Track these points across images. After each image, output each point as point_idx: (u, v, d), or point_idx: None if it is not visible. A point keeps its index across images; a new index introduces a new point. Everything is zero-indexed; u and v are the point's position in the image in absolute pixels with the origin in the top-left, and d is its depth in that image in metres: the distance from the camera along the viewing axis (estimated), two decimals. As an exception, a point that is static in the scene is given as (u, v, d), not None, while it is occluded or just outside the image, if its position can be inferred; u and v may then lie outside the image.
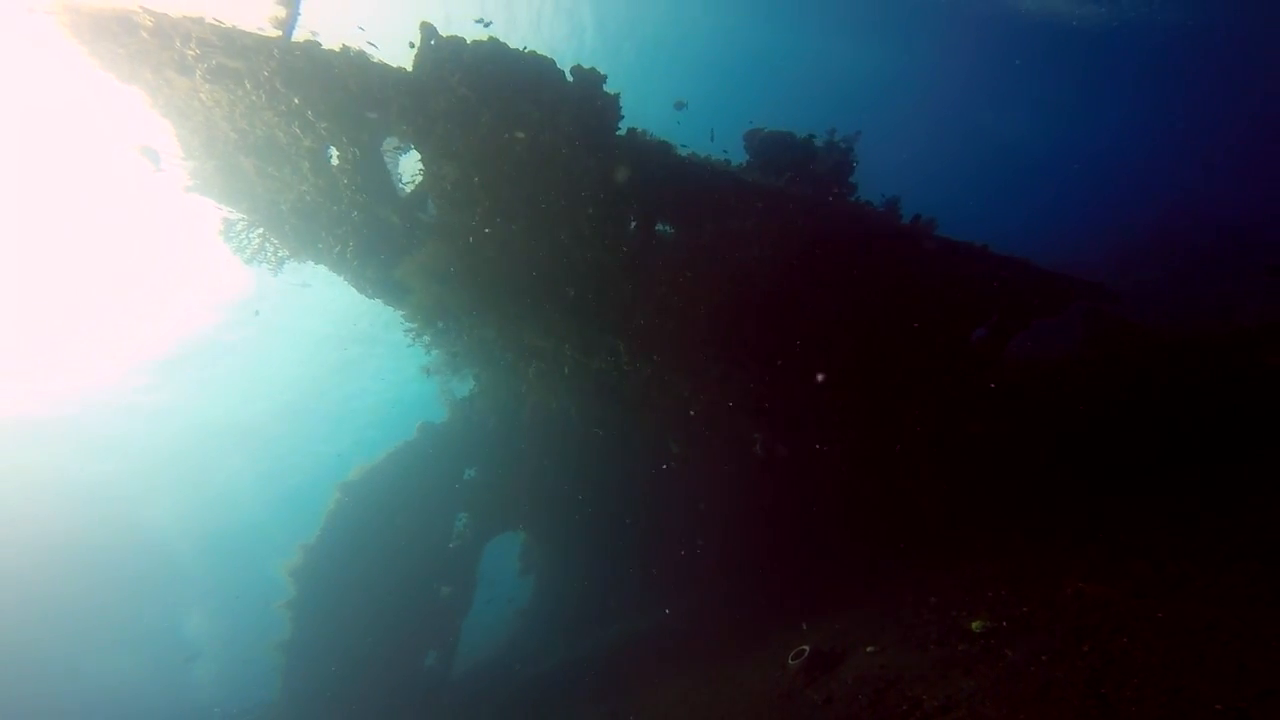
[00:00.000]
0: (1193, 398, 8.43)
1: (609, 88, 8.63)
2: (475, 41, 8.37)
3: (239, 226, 11.32)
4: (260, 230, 11.35)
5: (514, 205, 9.56)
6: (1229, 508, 6.54)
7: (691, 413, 10.66)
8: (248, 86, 8.46)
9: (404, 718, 13.54)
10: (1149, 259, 21.83)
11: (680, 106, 9.14)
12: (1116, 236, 27.07)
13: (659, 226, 10.44)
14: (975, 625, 5.96)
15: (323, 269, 12.10)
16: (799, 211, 9.20)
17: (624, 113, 8.87)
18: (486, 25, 10.64)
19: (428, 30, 8.24)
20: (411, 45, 8.38)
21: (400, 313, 11.54)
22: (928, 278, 9.76)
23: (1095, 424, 8.87)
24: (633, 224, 10.17)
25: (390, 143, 11.24)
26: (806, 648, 6.99)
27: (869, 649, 6.76)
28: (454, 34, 8.31)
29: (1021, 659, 5.17)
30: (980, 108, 49.05)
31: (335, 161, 9.58)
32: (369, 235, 10.93)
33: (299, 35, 8.31)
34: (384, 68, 8.35)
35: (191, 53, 8.20)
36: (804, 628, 8.37)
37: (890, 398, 9.75)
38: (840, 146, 10.89)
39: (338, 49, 8.31)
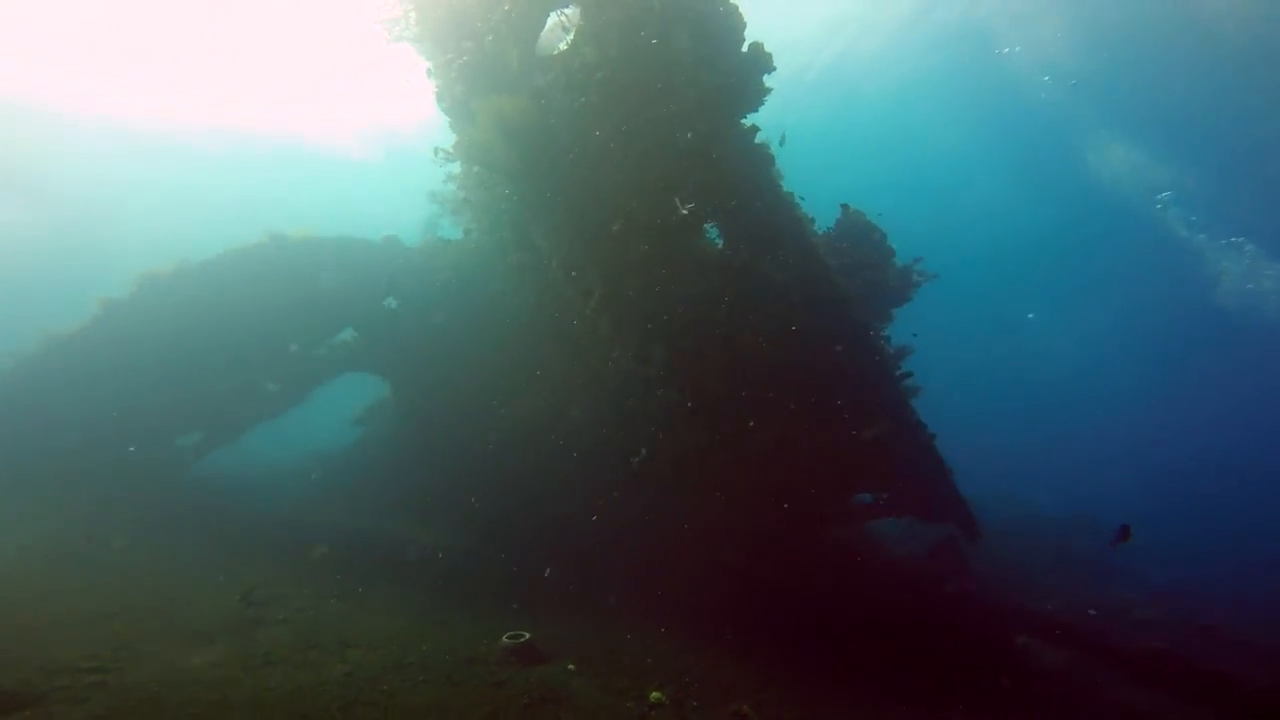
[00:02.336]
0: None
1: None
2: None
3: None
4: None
5: (618, 120, 9.61)
6: None
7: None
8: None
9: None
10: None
11: (782, 141, 8.99)
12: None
13: (708, 225, 10.31)
14: (654, 695, 6.04)
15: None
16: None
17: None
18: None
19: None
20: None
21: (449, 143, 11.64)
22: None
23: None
24: (688, 206, 10.06)
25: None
26: (528, 635, 7.05)
27: (570, 665, 6.83)
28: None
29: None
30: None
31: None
32: (486, 67, 11.06)
33: None
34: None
35: None
36: (545, 620, 8.49)
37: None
38: (914, 277, 10.64)
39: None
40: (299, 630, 7.00)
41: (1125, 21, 29.80)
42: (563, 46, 10.64)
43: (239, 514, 13.23)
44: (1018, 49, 31.41)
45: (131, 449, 13.57)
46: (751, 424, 8.92)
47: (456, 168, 14.54)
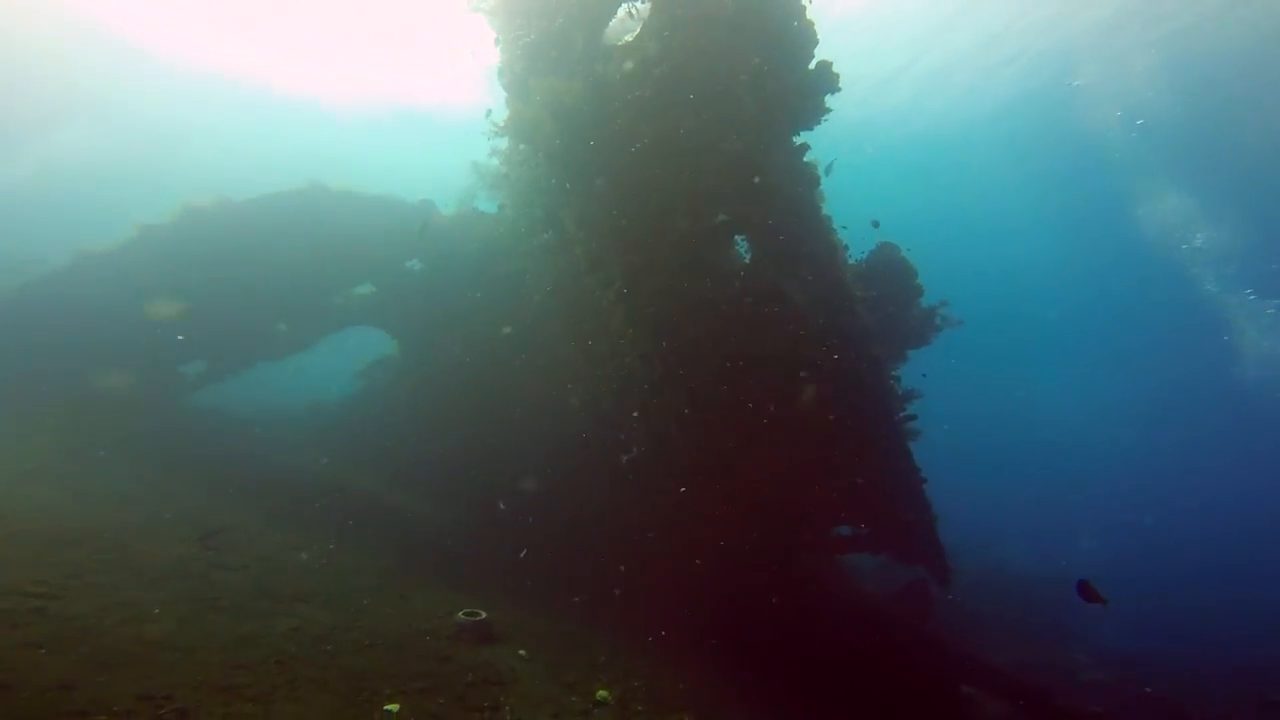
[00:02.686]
0: None
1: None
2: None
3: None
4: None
5: (670, 118, 9.53)
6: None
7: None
8: None
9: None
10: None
11: (828, 171, 8.85)
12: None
13: (739, 237, 10.18)
14: (601, 693, 5.90)
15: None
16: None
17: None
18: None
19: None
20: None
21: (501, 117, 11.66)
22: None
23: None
24: (720, 217, 9.94)
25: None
26: (484, 615, 6.93)
27: (521, 651, 6.69)
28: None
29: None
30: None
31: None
32: (550, 48, 11.04)
33: None
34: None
35: None
36: (508, 603, 8.32)
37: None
38: (937, 321, 10.40)
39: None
40: (256, 579, 6.89)
41: (1213, 69, 28.95)
42: (629, 38, 10.62)
43: (226, 452, 13.25)
44: (1084, 82, 30.67)
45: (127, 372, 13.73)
46: (744, 440, 8.72)
47: (503, 143, 14.61)
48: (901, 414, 9.65)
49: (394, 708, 4.84)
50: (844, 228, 9.66)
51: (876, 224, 11.12)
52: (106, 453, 9.80)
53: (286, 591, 6.66)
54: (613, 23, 11.76)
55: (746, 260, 10.39)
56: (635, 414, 10.85)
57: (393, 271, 16.31)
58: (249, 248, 14.66)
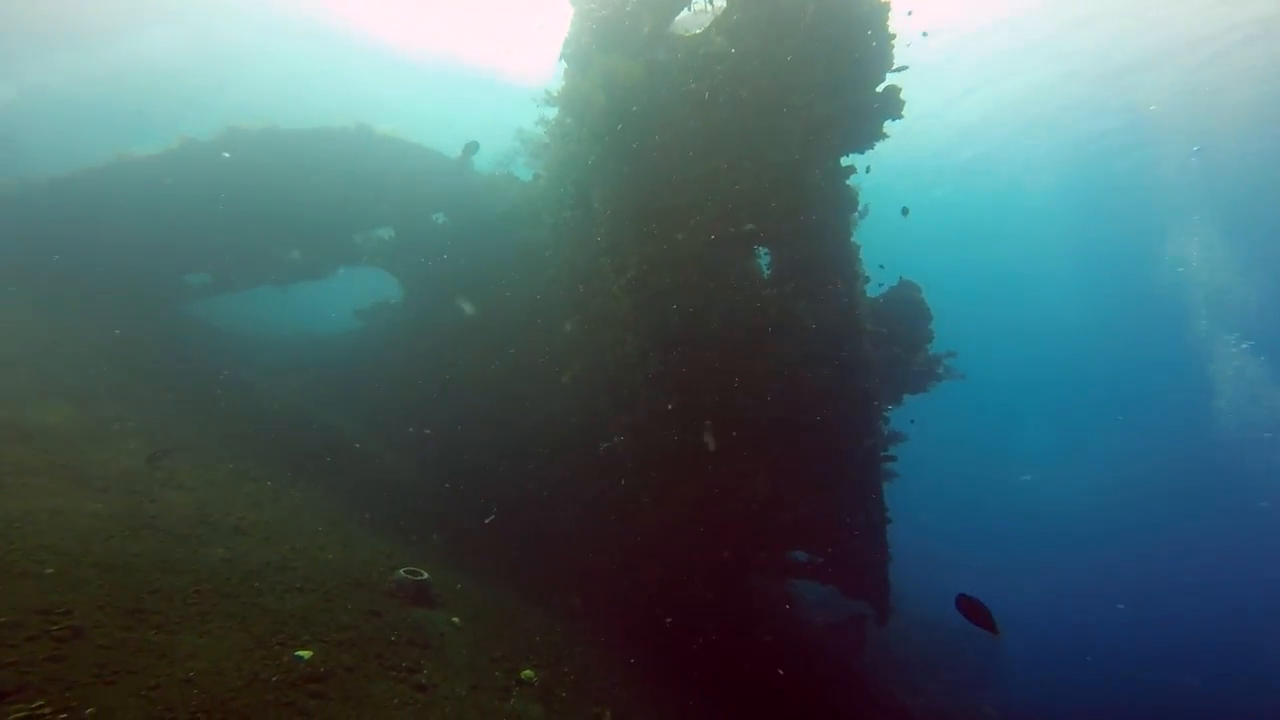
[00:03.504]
0: None
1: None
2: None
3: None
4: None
5: (721, 116, 9.29)
6: None
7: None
8: None
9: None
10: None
11: (905, 213, 8.59)
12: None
13: (760, 248, 9.95)
14: (526, 673, 5.83)
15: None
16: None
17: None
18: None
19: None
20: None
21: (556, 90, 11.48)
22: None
23: None
24: (748, 226, 9.70)
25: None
26: (425, 576, 6.84)
27: (454, 619, 6.59)
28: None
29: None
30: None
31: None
32: (618, 26, 10.79)
33: None
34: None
35: None
36: (455, 570, 8.21)
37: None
38: (938, 368, 10.11)
39: None
40: (201, 504, 6.71)
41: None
42: (698, 30, 10.39)
43: (208, 367, 13.25)
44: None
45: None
46: (722, 449, 8.54)
47: (551, 113, 14.48)
48: (883, 453, 9.41)
49: (306, 654, 4.74)
50: (881, 267, 9.34)
51: (905, 211, 10.64)
52: (93, 359, 9.75)
53: (229, 521, 6.50)
54: (687, 15, 11.57)
55: (765, 273, 10.19)
56: (623, 403, 10.72)
57: (416, 220, 16.27)
58: (283, 175, 14.73)
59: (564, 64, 12.25)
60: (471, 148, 15.54)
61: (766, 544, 9.45)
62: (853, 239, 9.91)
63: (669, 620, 8.42)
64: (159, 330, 13.15)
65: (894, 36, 8.58)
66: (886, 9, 8.26)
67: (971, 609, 5.44)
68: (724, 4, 9.90)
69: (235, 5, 38.67)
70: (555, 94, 12.44)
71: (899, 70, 8.70)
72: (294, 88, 46.62)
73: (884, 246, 11.22)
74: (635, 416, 9.84)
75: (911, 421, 10.02)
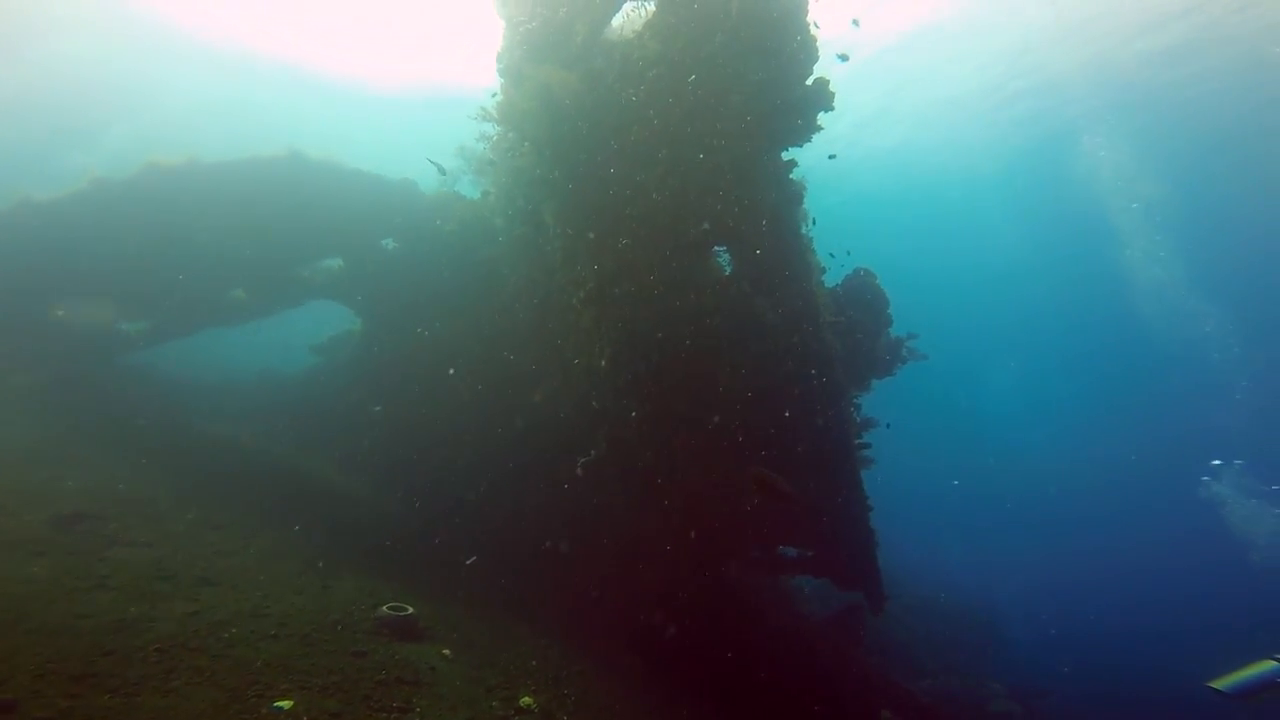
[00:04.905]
0: None
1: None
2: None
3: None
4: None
5: (661, 120, 9.35)
6: None
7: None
8: None
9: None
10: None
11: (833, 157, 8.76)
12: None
13: (720, 248, 10.03)
14: (525, 700, 5.64)
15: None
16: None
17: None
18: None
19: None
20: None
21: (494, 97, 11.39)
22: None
23: None
24: (704, 226, 9.76)
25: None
26: (411, 610, 6.57)
27: (445, 651, 6.34)
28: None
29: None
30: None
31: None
32: (550, 36, 10.78)
33: None
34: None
35: None
36: (442, 599, 7.92)
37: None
38: (902, 351, 10.35)
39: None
40: (158, 559, 6.31)
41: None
42: (631, 35, 10.44)
43: (156, 416, 12.58)
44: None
45: (61, 313, 13.00)
46: (700, 452, 8.52)
47: (492, 129, 14.35)
48: (857, 441, 9.55)
49: (286, 704, 4.45)
50: (831, 255, 9.54)
51: (849, 253, 11.11)
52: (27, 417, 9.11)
53: (193, 573, 6.14)
54: (624, 20, 11.63)
55: (726, 272, 10.27)
56: (597, 416, 10.61)
57: (366, 247, 15.84)
58: (214, 211, 14.07)
59: (500, 78, 12.17)
60: (440, 170, 15.22)
61: (756, 542, 9.44)
62: (803, 231, 10.13)
63: (671, 630, 8.28)
64: (97, 383, 12.37)
65: (816, 28, 8.82)
66: (805, 4, 8.50)
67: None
68: (654, 7, 10.03)
69: (116, 29, 35.82)
70: (491, 109, 12.27)
71: (843, 59, 8.95)
72: (196, 118, 44.04)
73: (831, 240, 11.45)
74: (611, 428, 9.74)
75: (888, 425, 10.16)
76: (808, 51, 9.11)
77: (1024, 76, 27.75)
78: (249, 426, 13.72)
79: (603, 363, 10.28)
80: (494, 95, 11.76)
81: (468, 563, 9.54)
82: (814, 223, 10.00)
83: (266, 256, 14.88)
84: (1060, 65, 26.39)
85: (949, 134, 32.94)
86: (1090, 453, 57.80)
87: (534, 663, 7.05)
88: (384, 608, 6.60)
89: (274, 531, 8.50)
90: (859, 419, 9.96)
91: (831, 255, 10.95)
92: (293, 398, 16.05)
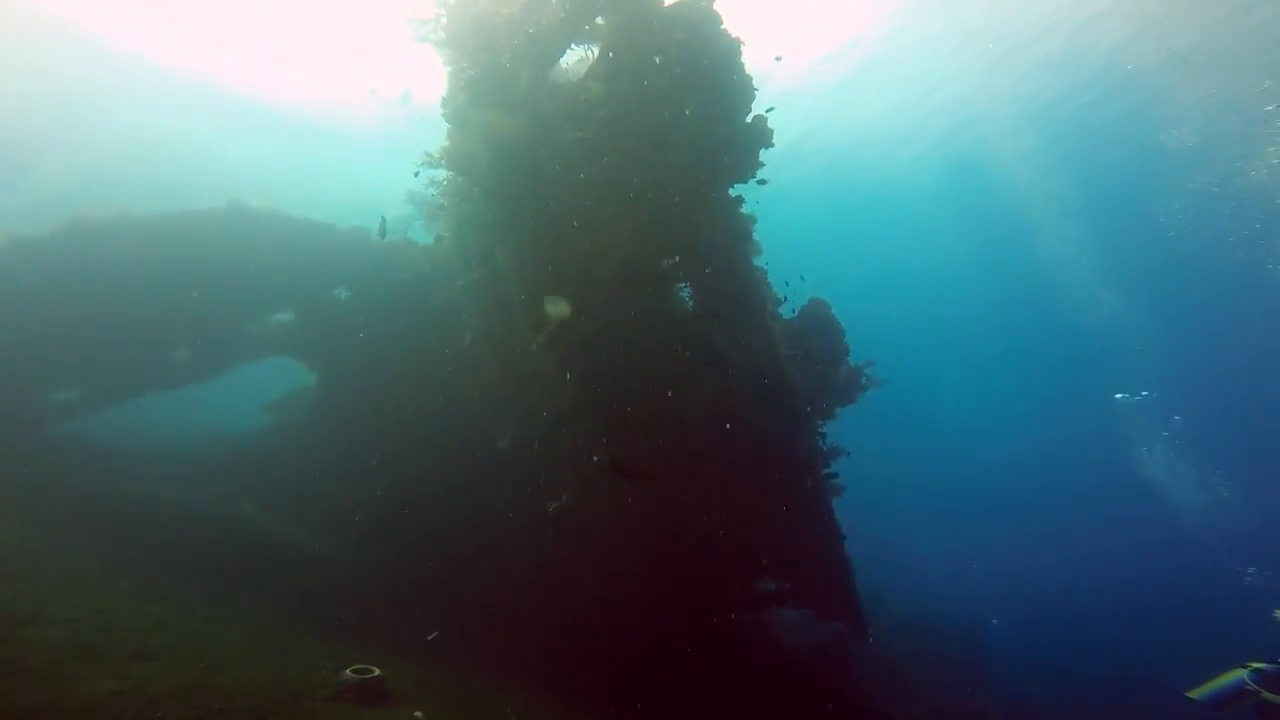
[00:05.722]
0: None
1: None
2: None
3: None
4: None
5: (608, 162, 9.52)
6: None
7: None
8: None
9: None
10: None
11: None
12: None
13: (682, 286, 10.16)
14: None
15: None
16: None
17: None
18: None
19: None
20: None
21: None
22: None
23: None
24: (665, 262, 9.90)
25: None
26: (377, 672, 6.23)
27: (417, 714, 6.00)
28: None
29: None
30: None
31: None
32: (495, 82, 10.91)
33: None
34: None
35: None
36: (408, 658, 7.56)
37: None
38: (860, 379, 10.62)
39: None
40: (81, 634, 5.72)
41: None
42: (576, 79, 10.67)
43: (97, 485, 11.79)
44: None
45: None
46: (670, 492, 8.47)
47: (442, 174, 14.33)
48: (825, 471, 9.66)
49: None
50: (787, 284, 9.79)
51: (803, 278, 11.40)
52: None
53: (124, 648, 5.61)
54: (571, 62, 11.89)
55: (689, 308, 10.38)
56: (565, 459, 10.45)
57: (316, 300, 15.43)
58: (149, 268, 13.45)
59: (446, 123, 12.20)
60: (384, 224, 15.02)
61: (734, 577, 9.36)
62: (755, 265, 10.38)
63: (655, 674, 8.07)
64: (22, 455, 11.53)
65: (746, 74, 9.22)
66: (739, 45, 8.90)
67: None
68: (597, 51, 10.30)
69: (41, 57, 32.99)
70: (436, 155, 12.23)
71: (769, 111, 9.38)
72: (131, 162, 41.49)
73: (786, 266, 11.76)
74: (579, 471, 9.61)
75: (848, 454, 10.33)
76: (744, 90, 9.49)
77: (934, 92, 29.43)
78: (198, 492, 12.97)
79: (566, 406, 10.21)
80: (425, 155, 11.71)
81: (430, 639, 9.11)
82: (762, 253, 10.21)
83: (208, 315, 14.31)
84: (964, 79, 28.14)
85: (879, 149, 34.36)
86: (1032, 437, 60.19)
87: (514, 718, 6.76)
88: (347, 671, 6.23)
89: (225, 597, 7.97)
90: (825, 448, 10.10)
91: (787, 284, 11.22)
92: (248, 460, 15.31)
